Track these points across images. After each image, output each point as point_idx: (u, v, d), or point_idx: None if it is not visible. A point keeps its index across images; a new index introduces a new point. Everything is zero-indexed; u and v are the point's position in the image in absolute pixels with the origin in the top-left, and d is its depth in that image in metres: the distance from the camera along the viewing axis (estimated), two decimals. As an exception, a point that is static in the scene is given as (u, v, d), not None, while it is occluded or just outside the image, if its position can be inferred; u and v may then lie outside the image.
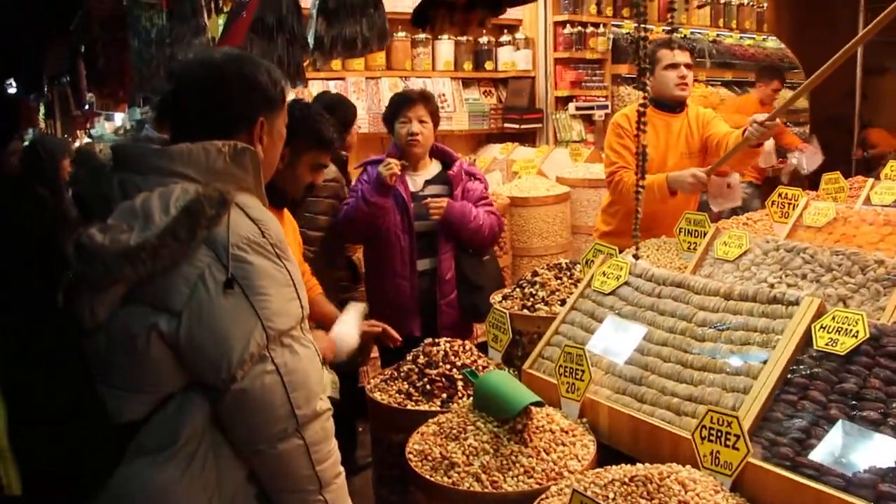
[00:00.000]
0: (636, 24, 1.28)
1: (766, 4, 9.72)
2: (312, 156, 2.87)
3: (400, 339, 3.21)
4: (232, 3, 3.02)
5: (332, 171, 3.82)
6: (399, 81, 6.75)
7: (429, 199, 3.70)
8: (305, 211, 3.70)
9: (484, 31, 7.22)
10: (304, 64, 2.83)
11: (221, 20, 3.43)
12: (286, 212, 2.93)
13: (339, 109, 3.99)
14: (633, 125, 3.96)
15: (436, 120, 3.79)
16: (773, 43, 9.47)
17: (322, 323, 3.04)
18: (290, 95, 5.95)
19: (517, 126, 7.29)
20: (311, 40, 2.53)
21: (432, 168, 3.90)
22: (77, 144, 11.87)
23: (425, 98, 3.73)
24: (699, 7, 8.36)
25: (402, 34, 6.62)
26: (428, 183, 3.84)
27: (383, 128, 3.98)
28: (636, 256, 1.79)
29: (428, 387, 2.71)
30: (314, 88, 6.26)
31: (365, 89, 6.55)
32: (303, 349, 1.71)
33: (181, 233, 1.59)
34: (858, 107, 9.13)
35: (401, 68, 6.79)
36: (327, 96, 4.38)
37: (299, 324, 1.73)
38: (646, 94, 1.42)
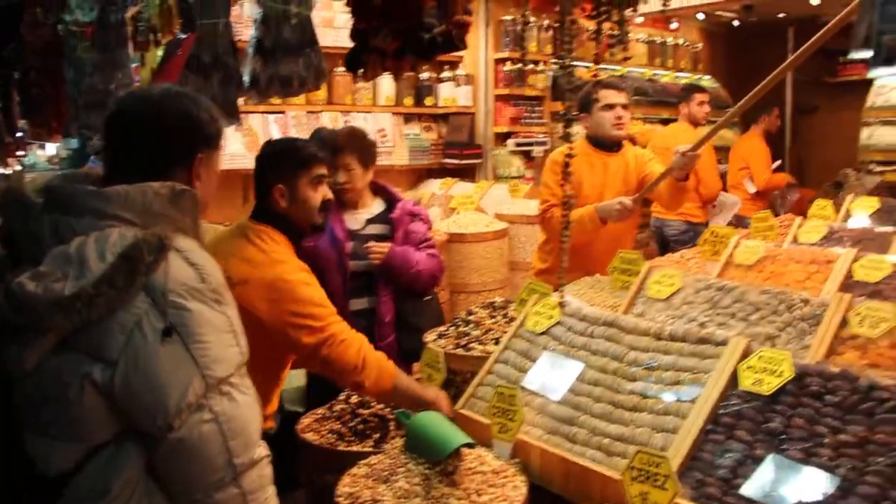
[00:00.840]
0: (561, 66, 1.31)
1: (700, 45, 10.02)
2: (305, 175, 2.84)
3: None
4: (172, 37, 3.00)
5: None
6: (340, 116, 6.77)
7: (371, 244, 3.66)
8: None
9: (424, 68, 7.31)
10: (240, 102, 2.81)
11: (160, 51, 3.40)
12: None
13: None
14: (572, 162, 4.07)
15: (365, 159, 3.70)
16: (707, 82, 9.74)
17: None
18: (231, 132, 5.94)
19: (457, 161, 7.37)
20: (246, 78, 2.52)
21: (375, 206, 3.85)
22: (6, 172, 11.57)
23: (347, 144, 3.60)
24: (610, 45, 8.54)
25: (342, 69, 6.63)
26: (370, 222, 3.80)
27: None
28: (561, 296, 1.80)
29: (360, 427, 2.69)
30: (254, 122, 6.25)
31: (306, 123, 6.54)
32: (241, 396, 1.68)
33: (119, 280, 1.55)
34: (788, 146, 9.43)
35: (342, 103, 6.82)
36: (322, 132, 4.42)
37: (238, 370, 1.70)
38: (571, 144, 1.44)
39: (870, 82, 8.47)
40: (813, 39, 2.75)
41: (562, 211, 1.54)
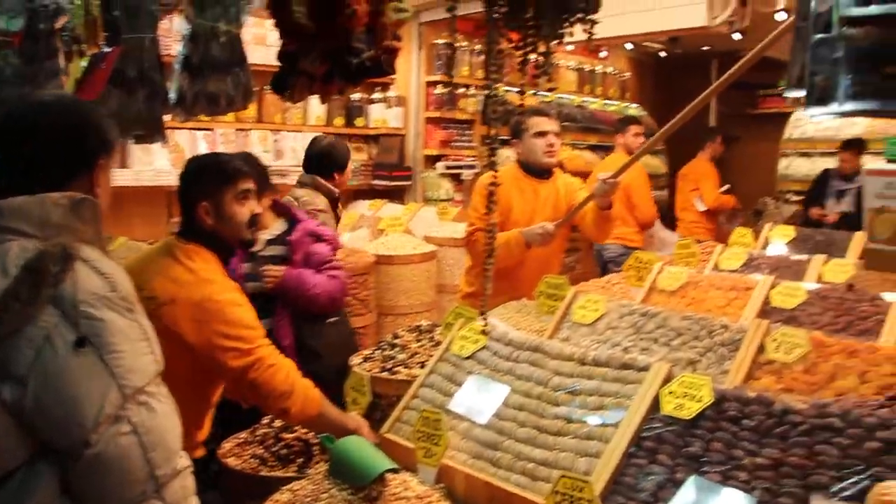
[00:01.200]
0: (488, 96, 1.33)
1: (628, 74, 10.28)
2: (230, 190, 2.78)
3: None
4: (97, 49, 2.93)
5: (322, 202, 4.45)
6: (269, 135, 6.72)
7: (266, 267, 3.63)
8: None
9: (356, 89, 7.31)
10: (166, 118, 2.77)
11: (84, 62, 3.32)
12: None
13: (334, 152, 4.64)
14: (502, 186, 4.12)
15: (260, 183, 3.37)
16: (634, 110, 9.99)
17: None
18: (157, 148, 5.83)
19: (386, 183, 7.38)
20: (173, 95, 2.48)
21: (276, 227, 3.81)
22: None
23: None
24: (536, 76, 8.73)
25: (272, 87, 6.59)
26: (270, 243, 3.75)
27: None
28: (485, 323, 1.81)
29: (283, 451, 2.65)
30: (181, 139, 6.15)
31: (234, 141, 6.47)
32: (159, 405, 1.65)
33: (24, 293, 1.51)
34: (713, 174, 9.72)
35: (271, 121, 6.77)
36: (322, 140, 4.80)
37: (154, 379, 1.66)
38: (495, 173, 1.46)
39: (787, 115, 8.81)
40: (731, 70, 2.86)
41: (485, 238, 1.55)
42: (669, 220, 9.21)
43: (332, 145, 4.73)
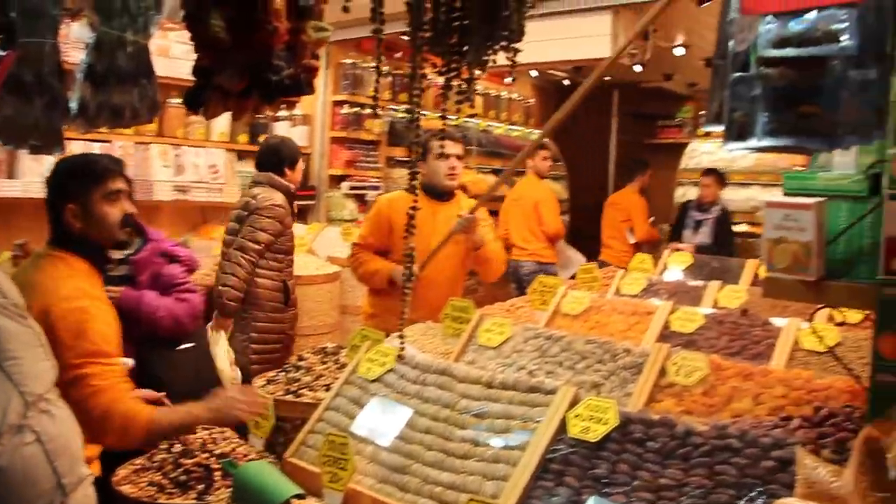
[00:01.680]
0: (410, 120, 1.34)
1: (533, 100, 10.48)
2: (98, 190, 2.68)
3: None
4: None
5: (279, 198, 4.59)
6: (170, 149, 6.55)
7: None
8: (249, 225, 4.43)
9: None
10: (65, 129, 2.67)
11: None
12: None
13: (283, 148, 4.85)
14: (393, 210, 4.17)
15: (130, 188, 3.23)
16: (538, 136, 10.20)
17: None
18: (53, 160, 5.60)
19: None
20: (74, 105, 2.39)
21: (134, 244, 3.49)
22: None
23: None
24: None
25: (176, 100, 6.42)
26: (120, 262, 3.43)
27: (152, 195, 3.85)
28: (402, 348, 1.82)
29: (183, 478, 2.56)
30: (77, 150, 5.92)
31: (133, 154, 6.27)
32: (60, 411, 1.58)
33: None
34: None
35: (173, 136, 6.60)
36: (272, 139, 5.19)
37: (52, 385, 1.60)
38: (416, 197, 1.47)
39: (684, 145, 9.15)
40: (586, 83, 2.98)
41: (405, 263, 1.55)
42: (572, 243, 9.42)
43: (282, 141, 4.98)
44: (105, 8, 2.13)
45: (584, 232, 10.33)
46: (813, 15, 1.32)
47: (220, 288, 4.44)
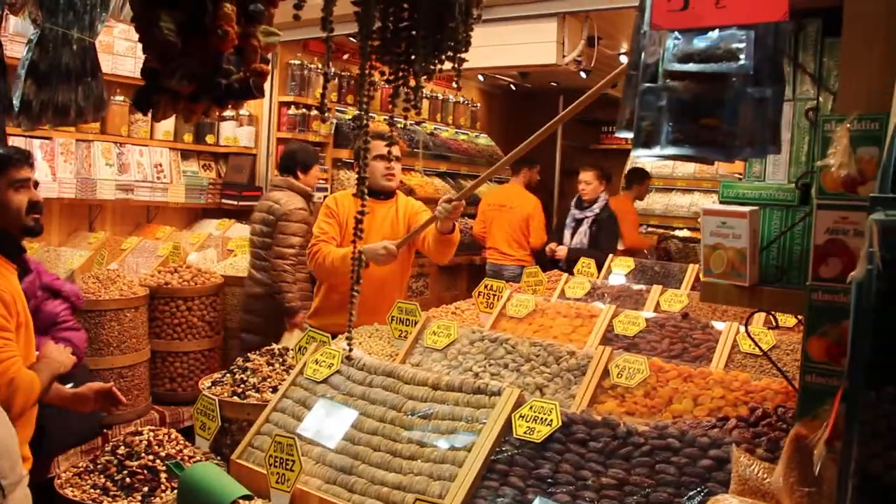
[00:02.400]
0: (358, 127, 1.36)
1: (479, 104, 10.55)
2: (2, 179, 2.73)
3: (123, 401, 3.06)
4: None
5: (300, 201, 5.08)
6: (113, 147, 6.44)
7: None
8: (279, 232, 4.91)
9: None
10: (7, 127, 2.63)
11: None
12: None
13: (299, 153, 5.38)
14: (340, 208, 4.18)
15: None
16: (484, 139, 10.25)
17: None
18: None
19: (235, 203, 7.21)
20: (16, 102, 2.36)
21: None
22: None
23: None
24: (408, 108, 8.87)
25: (120, 98, 6.32)
26: None
27: (95, 194, 3.78)
28: (349, 349, 1.83)
29: (128, 480, 2.54)
30: (19, 146, 5.79)
31: (74, 152, 6.16)
32: None
33: None
34: (556, 202, 10.12)
35: (116, 133, 6.48)
36: (291, 144, 5.76)
37: None
38: (364, 201, 1.49)
39: (628, 151, 9.30)
40: (574, 104, 3.04)
41: (352, 266, 1.57)
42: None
43: (299, 146, 5.44)
44: (49, 3, 2.11)
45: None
46: (715, 33, 1.40)
47: (279, 296, 4.87)
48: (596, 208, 6.74)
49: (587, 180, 6.89)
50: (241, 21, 1.36)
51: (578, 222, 6.80)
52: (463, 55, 1.40)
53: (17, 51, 2.42)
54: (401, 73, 1.36)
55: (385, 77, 1.41)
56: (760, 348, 2.16)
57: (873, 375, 1.01)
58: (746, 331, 2.04)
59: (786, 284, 1.66)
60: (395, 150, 4.41)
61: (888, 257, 0.96)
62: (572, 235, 6.81)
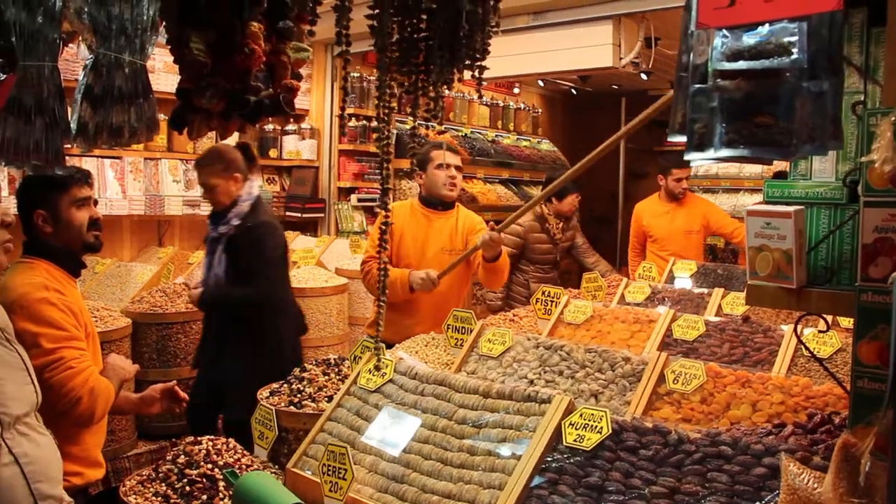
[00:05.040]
0: (379, 138, 1.36)
1: (540, 110, 10.49)
2: (65, 195, 2.87)
3: (186, 398, 3.22)
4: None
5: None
6: (180, 164, 6.61)
7: None
8: None
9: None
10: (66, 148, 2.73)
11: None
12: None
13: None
14: (396, 218, 4.22)
15: None
16: (546, 145, 10.20)
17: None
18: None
19: (299, 215, 7.33)
20: (73, 125, 2.43)
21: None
22: None
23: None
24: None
25: (182, 117, 6.49)
26: None
27: (163, 210, 3.90)
28: (377, 353, 1.83)
29: (188, 488, 2.59)
30: (88, 168, 5.99)
31: (143, 170, 6.34)
32: (41, 437, 1.62)
33: None
34: (621, 207, 9.97)
35: (183, 150, 6.65)
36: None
37: (34, 409, 1.64)
38: (387, 214, 1.49)
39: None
40: (643, 115, 2.98)
41: (378, 276, 1.57)
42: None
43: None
44: (102, 30, 2.17)
45: (596, 240, 10.33)
46: (765, 28, 1.33)
47: None
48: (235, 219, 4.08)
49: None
50: (272, 38, 1.37)
51: (214, 242, 4.23)
52: (483, 63, 1.39)
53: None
54: (420, 84, 1.35)
55: (405, 88, 1.41)
56: (809, 350, 2.09)
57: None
58: (795, 333, 1.97)
59: (835, 286, 1.60)
60: (457, 160, 4.41)
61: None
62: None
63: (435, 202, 4.36)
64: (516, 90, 10.07)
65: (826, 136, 1.36)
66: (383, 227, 1.44)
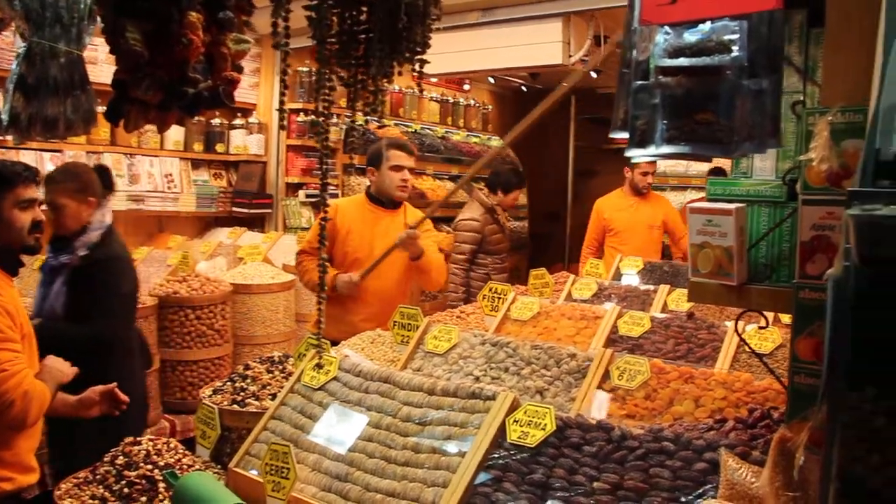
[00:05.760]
0: (317, 132, 1.34)
1: (490, 107, 10.51)
2: (9, 197, 2.77)
3: (126, 399, 3.12)
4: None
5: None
6: (124, 158, 6.48)
7: None
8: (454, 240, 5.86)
9: (216, 114, 7.17)
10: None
11: None
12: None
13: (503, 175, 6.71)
14: (340, 217, 4.23)
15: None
16: (497, 142, 10.20)
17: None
18: None
19: (246, 210, 7.24)
20: (5, 116, 2.36)
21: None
22: None
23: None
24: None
25: (126, 109, 6.36)
26: None
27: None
28: (318, 351, 1.82)
29: (126, 490, 2.54)
30: (26, 160, 5.82)
31: (86, 163, 6.19)
32: None
33: None
34: (570, 204, 10.05)
35: (126, 144, 6.52)
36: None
37: None
38: (325, 210, 1.47)
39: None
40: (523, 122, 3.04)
41: (318, 274, 1.55)
42: (534, 250, 9.45)
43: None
44: (35, 17, 2.11)
45: (546, 237, 10.39)
46: (707, 26, 1.35)
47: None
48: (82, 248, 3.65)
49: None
50: (211, 29, 1.35)
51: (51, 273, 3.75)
52: (423, 56, 1.38)
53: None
54: (360, 77, 1.34)
55: (344, 82, 1.40)
56: (749, 346, 2.12)
57: (853, 376, 0.98)
58: (735, 329, 2.00)
59: (775, 283, 1.63)
60: (412, 162, 4.43)
61: (865, 254, 0.92)
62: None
63: (384, 200, 4.36)
64: (466, 87, 10.07)
65: (765, 134, 1.38)
66: (322, 224, 1.42)
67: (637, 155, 1.43)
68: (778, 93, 1.40)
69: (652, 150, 1.40)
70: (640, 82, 1.44)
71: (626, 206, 6.61)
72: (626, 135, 1.49)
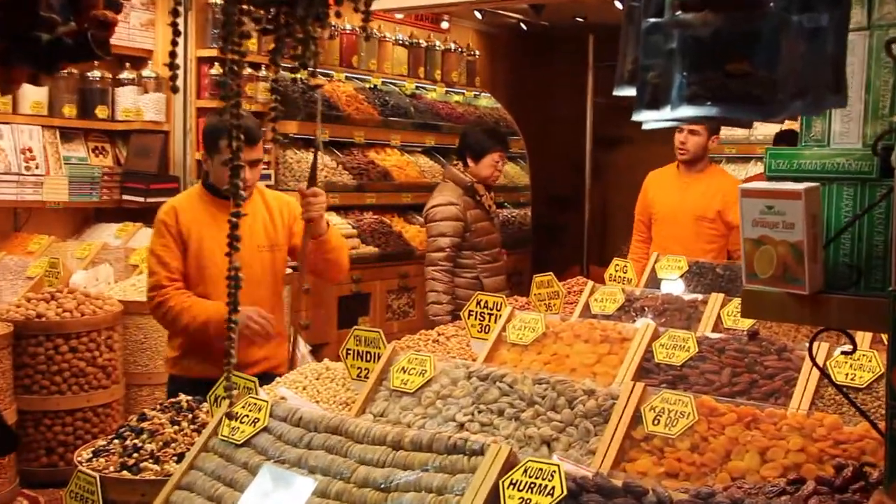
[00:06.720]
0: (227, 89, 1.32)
1: (478, 53, 10.42)
2: None
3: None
4: None
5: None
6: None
7: None
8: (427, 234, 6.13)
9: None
10: None
11: None
12: None
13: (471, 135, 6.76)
14: (181, 220, 4.16)
15: None
16: (486, 100, 10.17)
17: None
18: None
19: (141, 199, 7.15)
20: None
21: None
22: None
23: None
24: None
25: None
26: None
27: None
28: (228, 392, 1.80)
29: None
30: None
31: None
32: None
33: None
34: (589, 185, 9.97)
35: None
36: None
37: None
38: (237, 205, 1.45)
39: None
40: None
41: (228, 289, 1.53)
42: (545, 246, 9.42)
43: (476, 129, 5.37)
44: None
45: (556, 229, 10.33)
46: None
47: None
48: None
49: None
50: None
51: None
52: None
53: None
54: (284, 20, 1.32)
55: (261, 25, 1.38)
56: (827, 375, 2.12)
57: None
58: (809, 353, 2.00)
59: (863, 291, 1.63)
60: (258, 153, 4.41)
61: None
62: None
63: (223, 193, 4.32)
64: (445, 24, 10.01)
65: (823, 88, 1.37)
66: (233, 221, 1.41)
67: (648, 119, 1.42)
68: (842, 31, 1.39)
69: (667, 112, 1.38)
70: (652, 20, 1.42)
71: (674, 184, 6.32)
72: (632, 91, 1.48)
